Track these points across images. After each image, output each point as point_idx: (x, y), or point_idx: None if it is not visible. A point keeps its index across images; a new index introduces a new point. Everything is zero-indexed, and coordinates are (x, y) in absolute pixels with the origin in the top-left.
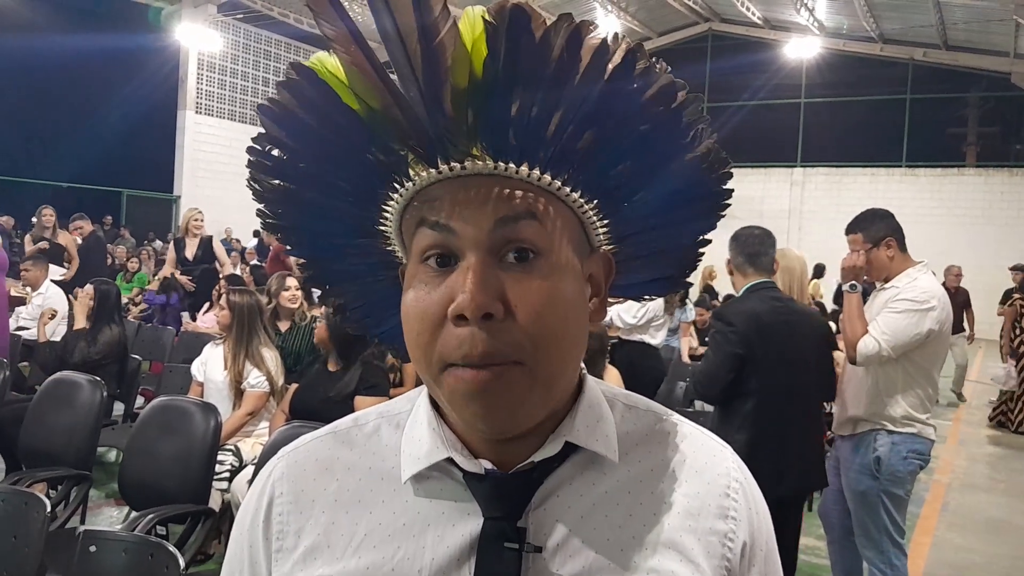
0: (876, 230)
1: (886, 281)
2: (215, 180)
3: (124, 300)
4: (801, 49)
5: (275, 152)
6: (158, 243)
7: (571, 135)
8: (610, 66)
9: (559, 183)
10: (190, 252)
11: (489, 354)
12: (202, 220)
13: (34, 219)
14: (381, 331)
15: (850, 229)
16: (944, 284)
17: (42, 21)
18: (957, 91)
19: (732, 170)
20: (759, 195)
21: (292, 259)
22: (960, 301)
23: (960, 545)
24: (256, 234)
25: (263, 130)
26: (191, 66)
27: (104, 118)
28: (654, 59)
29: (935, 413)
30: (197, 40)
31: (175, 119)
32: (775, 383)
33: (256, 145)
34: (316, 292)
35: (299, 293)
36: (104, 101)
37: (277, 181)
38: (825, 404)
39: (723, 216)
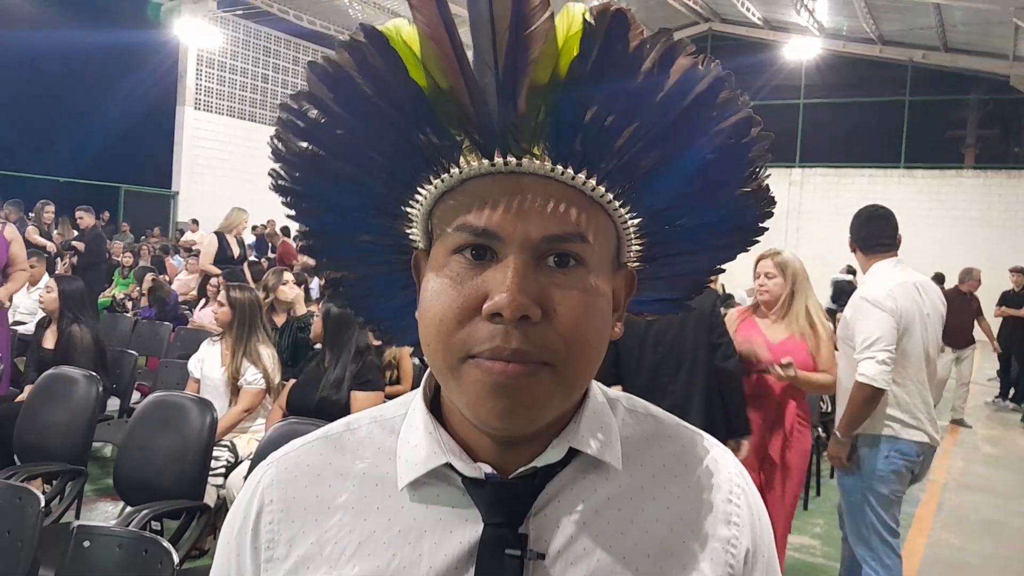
0: (850, 235)
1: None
2: (213, 176)
3: (120, 296)
4: (801, 50)
5: (312, 113)
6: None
7: (638, 151)
8: (696, 90)
9: (611, 196)
10: (235, 251)
11: (521, 352)
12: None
13: (31, 214)
14: (373, 313)
15: None
16: (960, 289)
17: (41, 16)
18: (956, 93)
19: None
20: None
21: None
22: (974, 309)
23: (955, 545)
24: (254, 229)
25: (306, 88)
26: (190, 62)
27: (103, 113)
28: (739, 91)
29: None
30: (196, 36)
31: (174, 115)
32: (645, 366)
33: (292, 103)
34: (314, 289)
35: (297, 289)
36: (103, 96)
37: (306, 144)
38: (825, 401)
39: (747, 251)
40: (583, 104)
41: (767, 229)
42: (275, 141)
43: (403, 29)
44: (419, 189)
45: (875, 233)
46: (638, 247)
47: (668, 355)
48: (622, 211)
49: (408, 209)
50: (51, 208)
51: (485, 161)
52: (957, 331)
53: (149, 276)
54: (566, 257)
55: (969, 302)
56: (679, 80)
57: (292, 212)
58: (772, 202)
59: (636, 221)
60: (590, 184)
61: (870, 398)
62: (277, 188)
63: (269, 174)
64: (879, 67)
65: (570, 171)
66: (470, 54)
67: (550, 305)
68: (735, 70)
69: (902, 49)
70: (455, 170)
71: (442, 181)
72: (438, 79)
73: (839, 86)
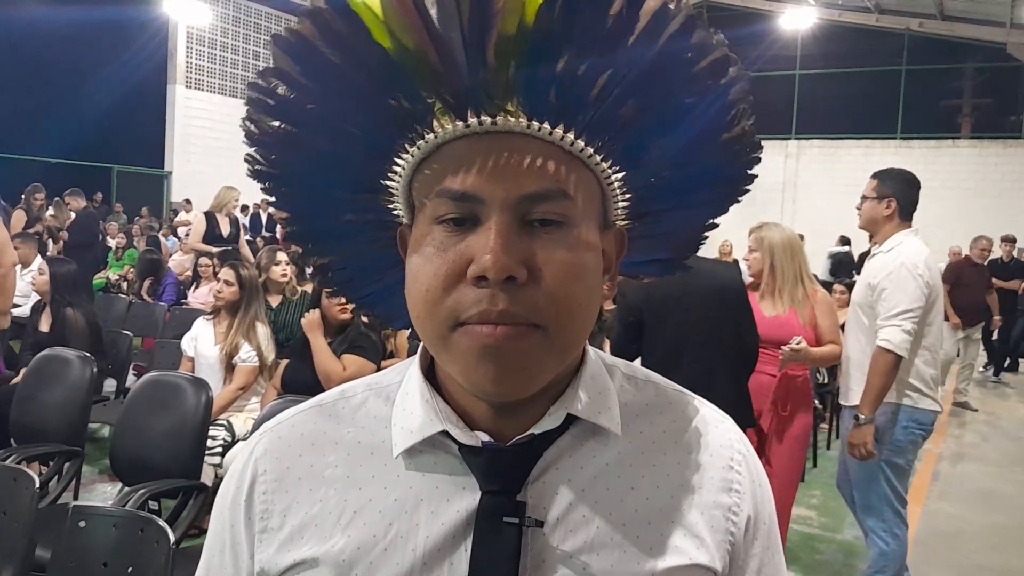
0: (887, 186)
1: (878, 240)
2: (206, 155)
3: (115, 278)
4: (796, 20)
5: (281, 90)
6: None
7: (615, 100)
8: (667, 32)
9: (591, 150)
10: (225, 230)
11: (509, 313)
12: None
13: (23, 195)
14: (363, 295)
15: (874, 175)
16: (971, 259)
17: None
18: (952, 62)
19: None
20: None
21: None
22: (985, 279)
23: (951, 514)
24: (244, 209)
25: (272, 64)
26: (180, 39)
27: (92, 93)
28: (713, 29)
29: None
30: (186, 13)
31: (165, 94)
32: (665, 337)
33: (260, 81)
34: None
35: (289, 268)
36: (92, 75)
37: (278, 123)
38: (821, 373)
39: (739, 202)
40: (554, 53)
41: (756, 176)
42: (247, 123)
43: None
44: (396, 159)
45: (915, 201)
46: (625, 204)
47: (692, 332)
48: (604, 165)
49: (388, 183)
50: (41, 194)
51: (459, 123)
52: (970, 305)
53: (148, 281)
54: (550, 216)
55: (982, 272)
56: (649, 22)
57: (272, 198)
58: (758, 147)
59: (620, 175)
60: (568, 139)
61: (893, 366)
62: (254, 173)
63: (245, 159)
64: (875, 36)
65: (547, 126)
66: (434, 12)
67: (536, 265)
68: (730, 41)
69: (898, 18)
70: (430, 135)
71: (418, 148)
72: (403, 39)
73: (835, 56)
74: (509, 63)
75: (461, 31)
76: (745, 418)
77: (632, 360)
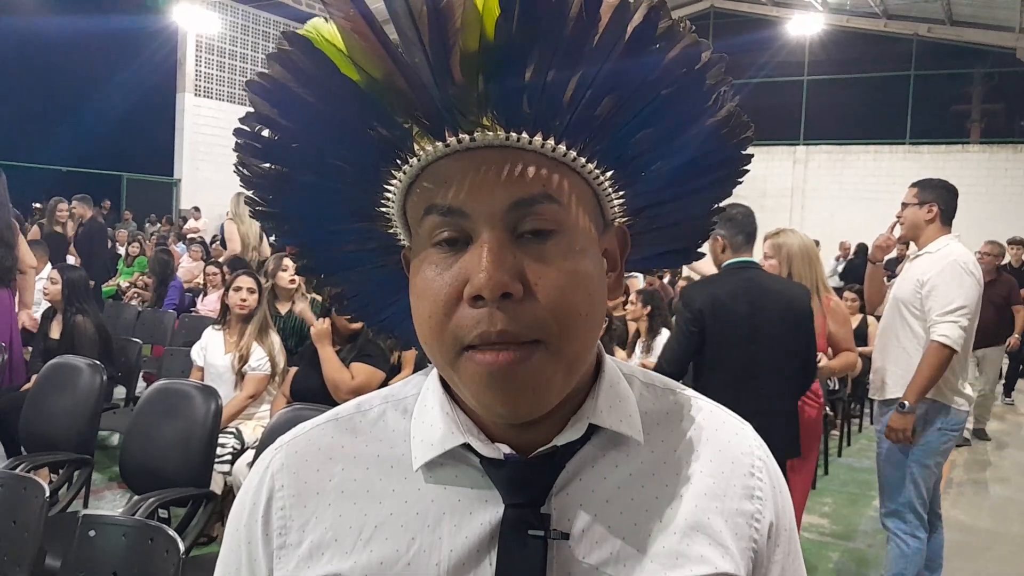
0: (927, 193)
1: (919, 245)
2: (215, 163)
3: (125, 284)
4: (804, 26)
5: (265, 133)
6: (157, 225)
7: (589, 101)
8: (631, 26)
9: (574, 154)
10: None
11: (509, 333)
12: (228, 209)
13: (36, 204)
14: (382, 319)
15: (913, 184)
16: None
17: (39, 3)
18: (962, 67)
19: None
20: (762, 173)
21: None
22: (1001, 294)
23: (964, 523)
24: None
25: (251, 109)
26: (189, 48)
27: (103, 101)
28: (678, 19)
29: None
30: (195, 21)
31: (174, 101)
32: (730, 358)
33: (244, 127)
34: None
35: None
36: (102, 84)
37: (268, 164)
38: (832, 380)
39: (740, 183)
40: (519, 64)
41: (752, 157)
42: (239, 168)
43: (322, 28)
44: (386, 186)
45: (955, 207)
46: (620, 201)
47: (760, 359)
48: (590, 166)
49: (382, 209)
50: (65, 204)
51: (439, 143)
52: (980, 322)
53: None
54: (542, 225)
55: (994, 282)
56: (611, 19)
57: (275, 236)
58: (747, 127)
59: (608, 174)
60: (548, 146)
61: (946, 361)
62: (256, 214)
63: (246, 202)
64: (884, 42)
65: (525, 136)
66: (395, 39)
67: (532, 279)
68: (738, 47)
69: (907, 23)
70: (413, 159)
71: (404, 173)
72: (369, 70)
73: (843, 62)
74: (477, 78)
75: (424, 54)
76: (791, 447)
77: (683, 369)
